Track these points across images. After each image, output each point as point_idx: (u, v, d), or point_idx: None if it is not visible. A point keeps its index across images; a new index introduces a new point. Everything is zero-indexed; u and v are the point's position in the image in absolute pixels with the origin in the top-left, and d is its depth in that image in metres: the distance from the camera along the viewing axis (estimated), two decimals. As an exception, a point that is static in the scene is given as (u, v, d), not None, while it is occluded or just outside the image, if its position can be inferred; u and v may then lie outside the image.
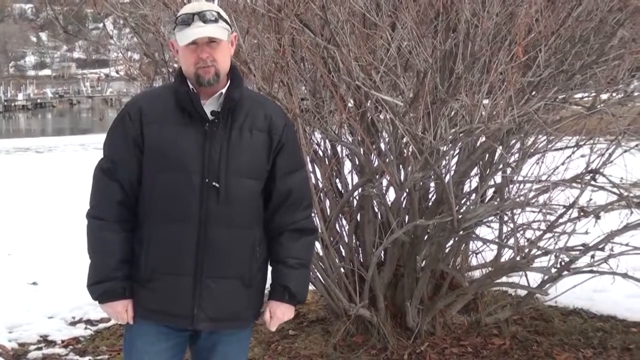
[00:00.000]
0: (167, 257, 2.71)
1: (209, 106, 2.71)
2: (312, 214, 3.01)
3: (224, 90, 2.72)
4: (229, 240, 2.72)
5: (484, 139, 4.21)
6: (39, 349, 5.23)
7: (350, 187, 4.82)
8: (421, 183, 4.57)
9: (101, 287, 2.74)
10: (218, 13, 2.71)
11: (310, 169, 4.54)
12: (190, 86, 2.71)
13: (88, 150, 21.88)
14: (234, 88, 2.75)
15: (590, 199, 4.61)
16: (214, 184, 2.68)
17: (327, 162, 4.77)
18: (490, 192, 4.99)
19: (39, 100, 75.13)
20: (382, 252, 4.78)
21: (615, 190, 4.52)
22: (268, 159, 2.77)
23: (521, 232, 4.76)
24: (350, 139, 4.57)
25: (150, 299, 2.75)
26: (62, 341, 5.34)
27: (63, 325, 5.68)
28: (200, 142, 2.68)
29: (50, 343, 5.34)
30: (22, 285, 6.75)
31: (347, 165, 4.88)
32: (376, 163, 4.44)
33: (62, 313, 5.88)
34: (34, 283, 6.81)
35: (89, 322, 5.72)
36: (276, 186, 2.80)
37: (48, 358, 5.07)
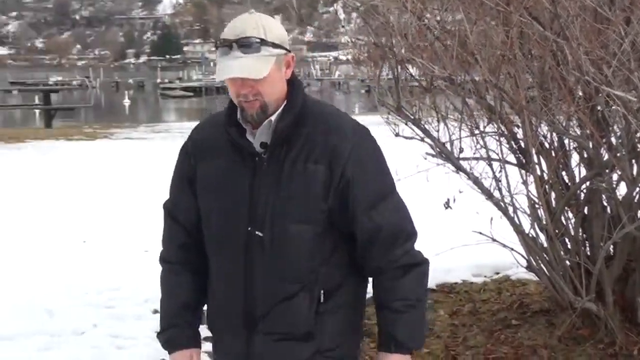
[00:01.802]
0: (218, 312, 2.44)
1: (260, 136, 2.30)
2: (414, 245, 2.40)
3: (274, 118, 2.29)
4: (279, 295, 2.31)
5: None
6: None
7: (577, 180, 4.74)
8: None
9: (164, 335, 2.50)
10: (261, 39, 2.23)
11: (536, 160, 4.52)
12: (239, 115, 2.32)
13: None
14: (286, 113, 2.29)
15: None
16: (257, 232, 2.29)
17: (553, 155, 4.71)
18: None
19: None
20: (611, 246, 4.65)
21: None
22: (326, 198, 2.26)
23: None
24: (578, 132, 4.49)
25: (215, 351, 2.53)
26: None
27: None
28: (249, 181, 2.30)
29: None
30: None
31: (574, 158, 4.79)
32: (606, 157, 4.34)
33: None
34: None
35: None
36: (359, 224, 2.29)
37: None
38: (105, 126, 25.19)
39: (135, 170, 13.47)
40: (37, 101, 34.59)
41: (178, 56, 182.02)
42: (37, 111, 33.08)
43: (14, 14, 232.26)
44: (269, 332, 2.32)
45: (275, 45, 2.25)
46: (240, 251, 2.30)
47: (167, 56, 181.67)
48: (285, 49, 2.29)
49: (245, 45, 2.21)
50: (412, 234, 2.38)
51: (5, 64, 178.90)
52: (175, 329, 2.47)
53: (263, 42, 2.23)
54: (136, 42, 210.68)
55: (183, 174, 2.44)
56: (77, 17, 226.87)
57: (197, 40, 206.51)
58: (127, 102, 51.62)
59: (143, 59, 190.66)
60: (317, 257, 2.29)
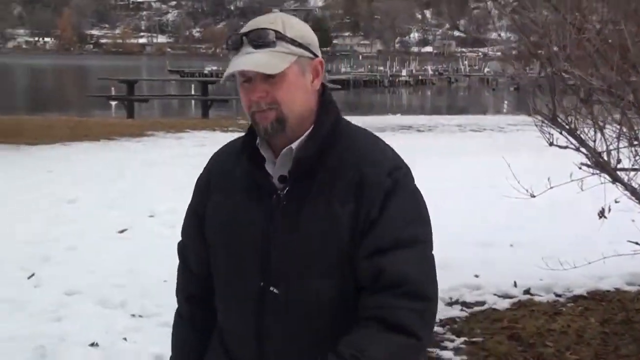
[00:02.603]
0: None
1: (280, 168, 1.85)
2: (426, 312, 1.81)
3: (295, 145, 1.83)
4: None
5: None
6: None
7: None
8: None
9: None
10: (279, 32, 1.80)
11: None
12: (259, 139, 1.89)
13: (465, 131, 21.13)
14: (310, 141, 1.83)
15: None
16: (271, 289, 1.84)
17: None
18: None
19: (420, 77, 78.08)
20: None
21: None
22: (352, 245, 1.79)
23: None
24: None
25: None
26: (440, 320, 5.53)
27: (441, 306, 5.91)
28: (263, 225, 1.84)
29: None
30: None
31: None
32: None
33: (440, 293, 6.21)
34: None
35: (465, 304, 6.01)
36: (360, 265, 1.80)
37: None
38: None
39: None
40: (193, 91, 35.97)
41: (327, 48, 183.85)
42: (193, 101, 34.52)
43: (173, 3, 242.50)
44: None
45: (296, 43, 1.81)
46: (252, 311, 1.87)
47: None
48: (312, 52, 1.85)
49: (257, 38, 1.78)
50: (427, 297, 1.81)
51: (164, 52, 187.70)
52: None
53: (280, 35, 1.79)
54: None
55: (194, 211, 2.05)
56: (232, 7, 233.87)
57: (347, 34, 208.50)
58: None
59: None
60: (341, 319, 1.81)
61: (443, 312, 5.82)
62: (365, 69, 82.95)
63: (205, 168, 2.06)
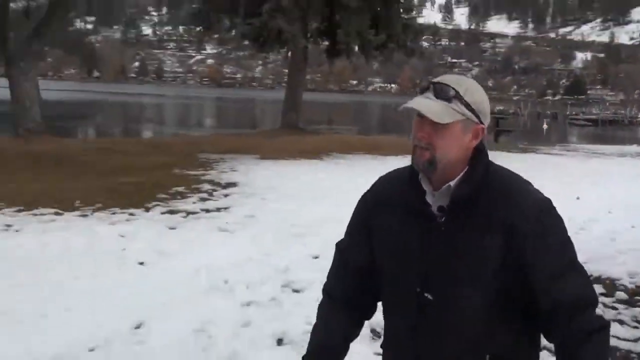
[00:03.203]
0: None
1: (439, 199, 1.54)
2: (595, 310, 1.52)
3: (453, 183, 1.52)
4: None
5: None
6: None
7: None
8: None
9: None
10: (458, 93, 1.47)
11: None
12: (420, 175, 1.57)
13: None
14: (464, 183, 1.52)
15: None
16: (426, 295, 1.54)
17: None
18: None
19: (658, 120, 68.69)
20: None
21: None
22: (501, 269, 1.47)
23: None
24: None
25: None
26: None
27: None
28: (421, 242, 1.55)
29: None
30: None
31: None
32: None
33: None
34: None
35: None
36: (540, 297, 1.48)
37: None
38: (530, 144, 25.08)
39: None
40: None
41: (582, 96, 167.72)
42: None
43: (476, 63, 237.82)
44: None
45: (468, 107, 1.48)
46: (411, 313, 1.57)
47: (575, 96, 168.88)
48: (479, 118, 1.51)
49: (439, 90, 1.48)
50: (594, 301, 1.54)
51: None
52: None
53: (458, 96, 1.48)
54: (554, 85, 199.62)
55: (360, 220, 1.71)
56: (516, 66, 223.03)
57: (598, 86, 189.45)
58: (545, 127, 50.30)
59: (557, 97, 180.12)
60: (485, 324, 1.52)
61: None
62: (611, 111, 75.26)
63: (369, 189, 1.71)
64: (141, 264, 5.08)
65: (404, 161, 1.72)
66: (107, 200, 7.28)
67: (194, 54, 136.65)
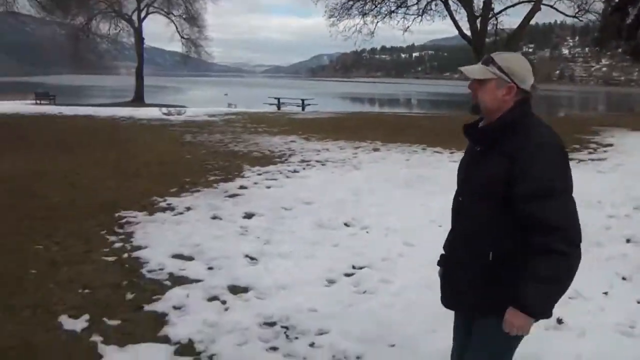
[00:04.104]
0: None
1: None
2: (566, 238, 1.89)
3: (481, 123, 2.12)
4: (463, 247, 2.11)
5: None
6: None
7: None
8: None
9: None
10: (493, 59, 2.01)
11: None
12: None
13: None
14: (492, 124, 2.03)
15: None
16: (460, 198, 2.15)
17: None
18: None
19: None
20: None
21: None
22: (506, 183, 1.94)
23: None
24: None
25: None
26: None
27: None
28: (468, 164, 2.16)
29: None
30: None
31: None
32: None
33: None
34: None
35: None
36: (516, 209, 1.94)
37: None
38: None
39: None
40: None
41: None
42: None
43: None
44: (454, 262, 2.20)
45: (500, 69, 1.99)
46: (455, 213, 2.20)
47: None
48: (510, 79, 1.99)
49: (483, 58, 2.04)
50: (563, 227, 1.88)
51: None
52: None
53: (492, 61, 2.00)
54: None
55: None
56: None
57: None
58: None
59: None
60: (491, 226, 2.01)
61: None
62: None
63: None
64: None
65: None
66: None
67: (594, 64, 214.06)
